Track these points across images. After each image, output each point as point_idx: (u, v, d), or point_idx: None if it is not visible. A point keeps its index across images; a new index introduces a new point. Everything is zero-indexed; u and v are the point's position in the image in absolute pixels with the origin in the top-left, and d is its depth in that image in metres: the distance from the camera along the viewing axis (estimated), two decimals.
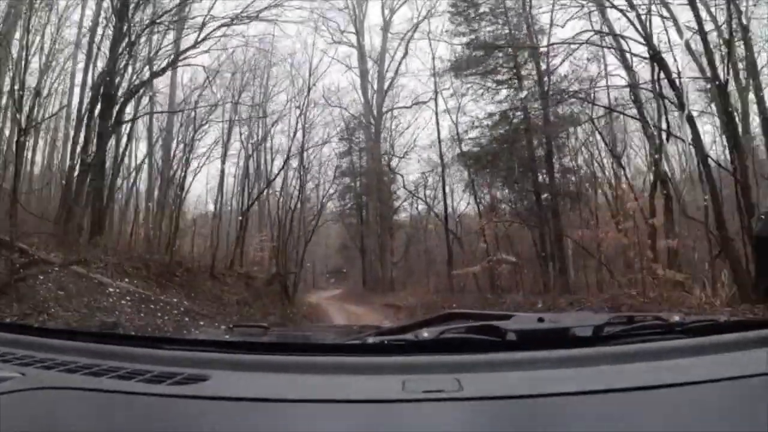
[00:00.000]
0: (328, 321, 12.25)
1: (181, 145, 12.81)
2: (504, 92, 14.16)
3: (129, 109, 11.83)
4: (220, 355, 1.19)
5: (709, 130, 11.20)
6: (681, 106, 9.39)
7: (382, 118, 16.99)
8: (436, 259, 15.15)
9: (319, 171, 15.00)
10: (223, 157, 13.86)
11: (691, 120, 9.43)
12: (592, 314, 1.76)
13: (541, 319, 1.25)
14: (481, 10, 14.39)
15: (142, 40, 11.56)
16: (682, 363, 1.06)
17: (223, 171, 14.06)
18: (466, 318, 1.41)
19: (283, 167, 14.10)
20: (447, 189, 14.97)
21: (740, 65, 9.71)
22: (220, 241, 13.44)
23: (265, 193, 14.62)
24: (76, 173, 10.48)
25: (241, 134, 14.16)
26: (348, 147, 17.14)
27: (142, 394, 0.96)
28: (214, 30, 11.71)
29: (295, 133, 13.31)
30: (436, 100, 15.08)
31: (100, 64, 11.11)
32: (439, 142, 15.20)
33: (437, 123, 15.15)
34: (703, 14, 9.34)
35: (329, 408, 0.94)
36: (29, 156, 11.41)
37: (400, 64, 16.69)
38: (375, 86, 17.11)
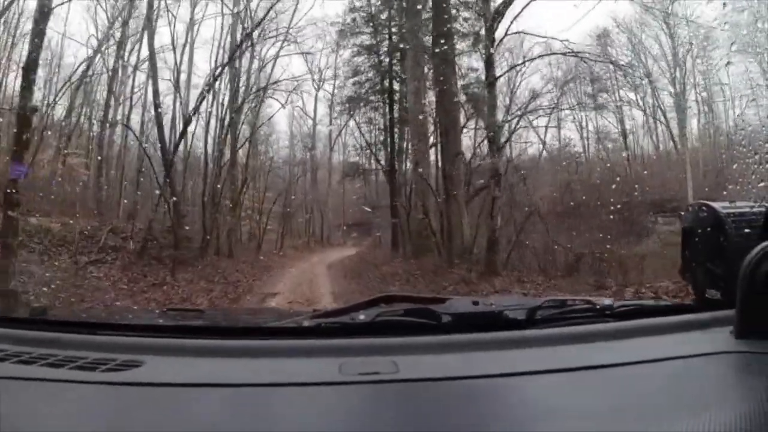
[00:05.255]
0: None
1: None
2: None
3: None
4: (153, 340, 1.17)
5: None
6: None
7: None
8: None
9: None
10: None
11: None
12: (526, 298, 1.84)
13: (476, 303, 1.29)
14: None
15: None
16: (609, 345, 1.12)
17: None
18: (403, 301, 1.43)
19: None
20: None
21: None
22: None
23: None
24: None
25: None
26: None
27: (75, 381, 0.95)
28: None
29: None
30: None
31: None
32: None
33: None
34: None
35: (265, 392, 0.94)
36: None
37: None
38: None
